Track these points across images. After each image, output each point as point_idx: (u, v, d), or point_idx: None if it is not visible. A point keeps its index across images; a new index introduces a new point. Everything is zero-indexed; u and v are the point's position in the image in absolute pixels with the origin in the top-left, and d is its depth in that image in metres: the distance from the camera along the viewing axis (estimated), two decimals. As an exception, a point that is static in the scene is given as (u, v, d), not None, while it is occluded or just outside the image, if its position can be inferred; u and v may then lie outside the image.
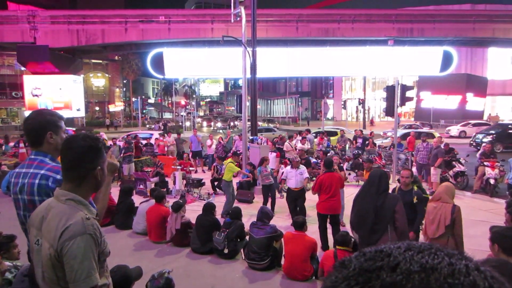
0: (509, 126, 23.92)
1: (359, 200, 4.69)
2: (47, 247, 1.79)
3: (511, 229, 3.10)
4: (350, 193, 10.68)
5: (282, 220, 8.43)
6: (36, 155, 2.41)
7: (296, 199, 8.29)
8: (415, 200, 5.82)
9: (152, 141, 17.54)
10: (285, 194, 11.13)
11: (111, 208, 8.03)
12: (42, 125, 2.42)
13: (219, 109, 74.75)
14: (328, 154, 14.80)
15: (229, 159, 10.15)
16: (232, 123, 45.07)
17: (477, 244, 7.12)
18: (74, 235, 1.74)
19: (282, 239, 6.17)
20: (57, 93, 33.10)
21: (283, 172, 12.20)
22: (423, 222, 5.19)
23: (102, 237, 1.85)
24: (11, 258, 4.45)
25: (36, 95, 32.44)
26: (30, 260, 2.28)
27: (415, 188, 6.01)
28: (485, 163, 11.20)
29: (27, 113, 33.66)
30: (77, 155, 1.88)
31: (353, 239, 5.28)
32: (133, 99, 59.70)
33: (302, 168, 8.50)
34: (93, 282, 1.74)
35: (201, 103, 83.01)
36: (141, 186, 11.41)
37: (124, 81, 64.71)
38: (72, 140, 1.93)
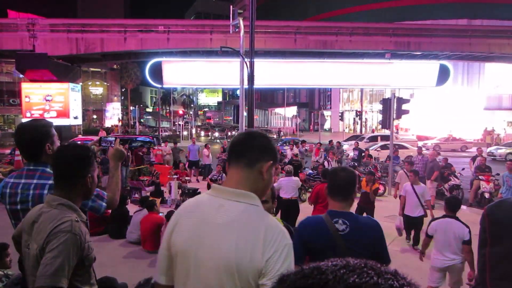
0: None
1: None
2: (35, 247, 1.81)
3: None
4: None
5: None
6: (35, 165, 2.35)
7: (287, 210, 7.91)
8: None
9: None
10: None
11: (106, 217, 7.99)
12: (38, 139, 2.34)
13: (217, 119, 74.84)
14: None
15: None
16: (229, 133, 45.10)
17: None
18: (60, 232, 1.78)
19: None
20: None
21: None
22: None
23: (87, 242, 1.88)
24: (2, 267, 4.42)
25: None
26: (21, 269, 2.26)
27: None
28: (480, 177, 11.23)
29: (24, 120, 33.64)
30: (67, 165, 1.95)
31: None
32: (131, 108, 59.77)
33: (295, 177, 8.27)
34: (57, 283, 1.69)
35: (199, 112, 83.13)
36: (136, 195, 11.36)
37: (123, 90, 64.78)
38: (62, 150, 2.03)
